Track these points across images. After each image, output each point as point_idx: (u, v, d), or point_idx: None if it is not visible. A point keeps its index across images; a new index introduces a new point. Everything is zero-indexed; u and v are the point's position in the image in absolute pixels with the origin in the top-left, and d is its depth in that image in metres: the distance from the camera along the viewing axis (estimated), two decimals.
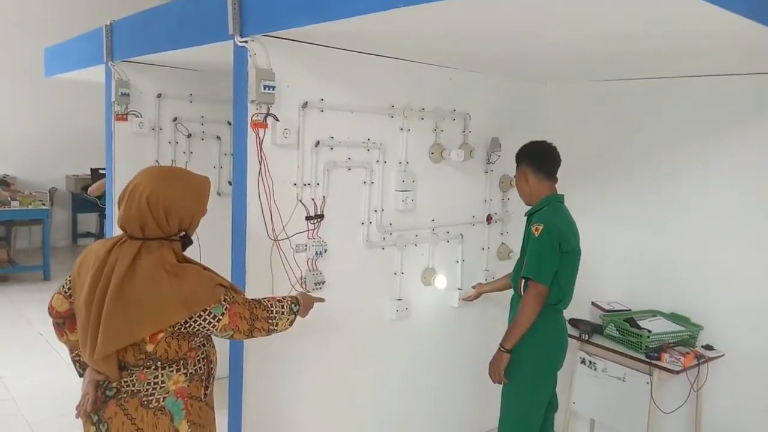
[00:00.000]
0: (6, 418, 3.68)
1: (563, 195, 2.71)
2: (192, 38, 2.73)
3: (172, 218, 1.78)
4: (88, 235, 8.60)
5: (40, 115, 8.12)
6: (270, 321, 1.91)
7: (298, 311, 2.02)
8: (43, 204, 6.93)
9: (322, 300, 2.26)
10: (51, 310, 1.92)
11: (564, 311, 2.72)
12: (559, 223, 2.57)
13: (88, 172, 8.07)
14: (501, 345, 2.63)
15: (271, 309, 1.93)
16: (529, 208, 2.73)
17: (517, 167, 2.75)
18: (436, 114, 3.01)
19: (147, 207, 1.75)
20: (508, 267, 3.38)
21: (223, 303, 1.78)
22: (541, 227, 2.54)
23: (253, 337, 1.90)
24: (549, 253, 2.52)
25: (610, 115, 3.38)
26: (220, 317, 1.77)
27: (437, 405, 3.30)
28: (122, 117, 3.67)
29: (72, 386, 1.93)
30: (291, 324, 2.01)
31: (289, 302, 2.00)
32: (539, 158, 2.68)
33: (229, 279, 2.30)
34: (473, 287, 3.17)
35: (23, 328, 5.25)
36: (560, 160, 2.70)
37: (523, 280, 2.60)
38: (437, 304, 3.19)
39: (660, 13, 1.74)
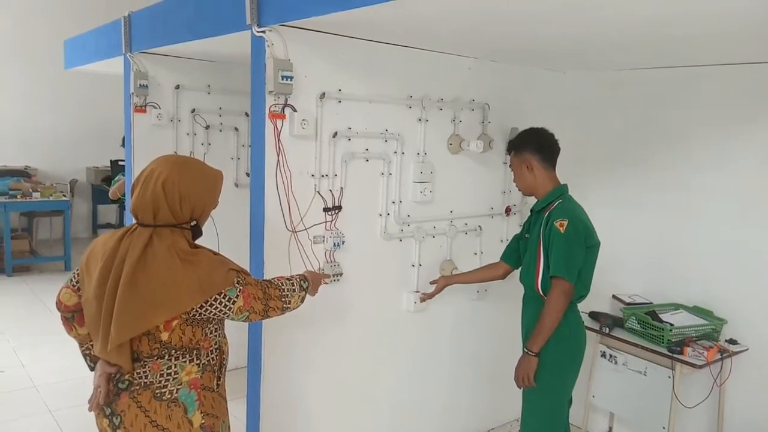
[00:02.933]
0: (28, 406, 3.74)
1: (567, 185, 2.60)
2: (210, 29, 2.73)
3: (185, 205, 1.78)
4: (108, 226, 8.68)
5: (60, 108, 8.21)
6: (283, 299, 1.92)
7: (307, 287, 2.04)
8: (64, 195, 7.02)
9: (327, 276, 2.33)
10: (59, 305, 1.90)
11: (579, 304, 2.66)
12: (582, 217, 2.47)
13: (108, 164, 8.14)
14: (528, 349, 2.45)
15: (282, 287, 1.94)
16: (536, 202, 2.59)
17: (515, 155, 2.59)
18: (454, 104, 2.98)
19: (162, 192, 1.75)
20: None
21: (237, 285, 1.79)
22: (566, 222, 2.39)
23: (269, 317, 1.91)
24: (576, 250, 2.40)
25: (629, 104, 3.32)
26: (235, 299, 1.78)
27: (452, 397, 3.29)
28: (141, 108, 3.68)
29: (92, 375, 1.94)
30: (302, 301, 2.02)
31: (298, 279, 2.03)
32: (546, 146, 2.55)
33: (248, 269, 2.30)
34: (434, 281, 2.85)
35: (45, 317, 5.32)
36: (560, 149, 2.59)
37: (539, 279, 2.48)
38: (455, 296, 3.16)
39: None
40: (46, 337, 4.80)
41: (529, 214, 2.70)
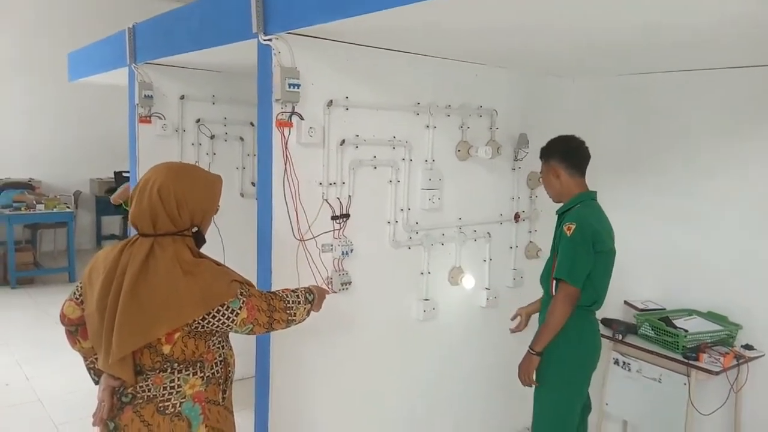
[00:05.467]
0: (33, 420, 3.71)
1: (596, 192, 2.62)
2: (215, 38, 2.72)
3: (183, 211, 1.75)
4: (112, 237, 8.68)
5: (64, 120, 8.23)
6: (288, 311, 1.88)
7: (313, 300, 2.00)
8: (68, 207, 7.01)
9: (330, 291, 2.31)
10: (63, 318, 1.87)
11: (597, 312, 2.64)
12: (593, 222, 2.46)
13: (112, 176, 8.15)
14: (530, 347, 2.53)
15: (287, 299, 1.90)
16: (560, 206, 2.63)
17: (544, 163, 2.65)
18: (462, 111, 2.96)
19: (159, 199, 1.72)
20: (535, 266, 3.32)
21: (240, 297, 1.75)
22: (573, 226, 2.42)
23: (273, 329, 1.87)
24: (582, 254, 2.41)
25: (638, 109, 3.29)
26: (239, 311, 1.74)
27: (464, 406, 3.24)
28: (146, 119, 3.67)
29: (97, 388, 1.91)
30: (308, 314, 1.98)
31: (304, 292, 1.99)
32: (572, 153, 2.58)
33: (255, 280, 2.27)
34: (515, 317, 2.90)
35: (50, 329, 5.28)
36: (590, 156, 2.61)
37: (555, 281, 2.50)
38: (465, 303, 3.13)
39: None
40: (50, 349, 4.75)
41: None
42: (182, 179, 1.77)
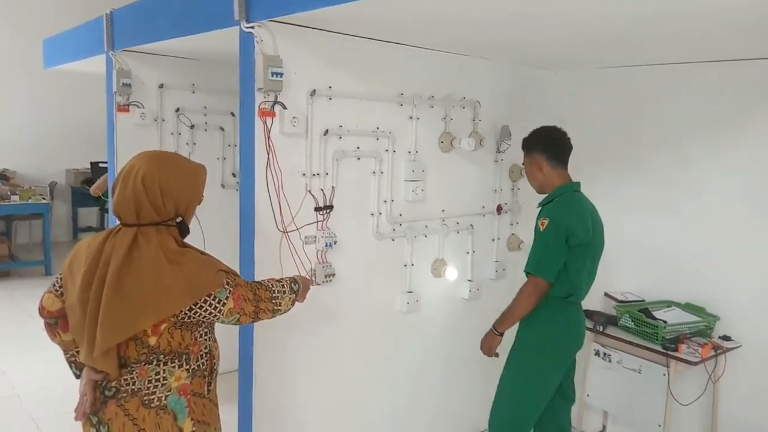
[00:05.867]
0: (10, 414, 3.63)
1: (578, 183, 2.63)
2: (196, 25, 2.66)
3: (168, 200, 1.72)
4: (88, 229, 8.53)
5: (39, 109, 8.05)
6: (273, 301, 1.87)
7: (298, 290, 1.99)
8: (44, 198, 6.87)
9: (314, 282, 2.33)
10: (42, 311, 1.81)
11: (581, 302, 2.65)
12: (567, 217, 2.46)
13: (89, 166, 8.00)
14: (494, 326, 2.61)
15: (273, 289, 1.90)
16: (543, 197, 2.64)
17: (527, 155, 2.65)
18: (445, 102, 2.94)
19: (143, 187, 1.68)
20: (517, 258, 3.34)
21: (227, 287, 1.73)
22: (546, 222, 2.46)
23: (260, 319, 1.86)
24: (553, 249, 2.43)
25: (621, 102, 3.31)
26: (225, 301, 1.72)
27: (445, 397, 3.25)
28: (124, 108, 3.59)
29: (77, 382, 1.87)
30: (292, 304, 1.98)
31: (288, 282, 1.98)
32: (554, 145, 2.58)
33: (238, 271, 2.24)
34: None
35: (26, 323, 5.20)
36: (572, 147, 2.61)
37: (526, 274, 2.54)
38: (447, 295, 3.13)
39: None
40: (27, 343, 4.68)
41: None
42: (166, 168, 1.74)
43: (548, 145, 2.57)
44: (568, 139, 2.61)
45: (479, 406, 3.39)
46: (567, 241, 2.44)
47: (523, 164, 2.70)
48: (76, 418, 1.77)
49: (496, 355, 2.65)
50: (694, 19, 2.05)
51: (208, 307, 1.70)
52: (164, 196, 1.71)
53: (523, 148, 2.68)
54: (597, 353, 3.09)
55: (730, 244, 2.92)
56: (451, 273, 3.06)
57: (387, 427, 3.00)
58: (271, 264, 2.35)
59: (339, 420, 2.78)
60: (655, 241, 3.20)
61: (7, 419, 3.58)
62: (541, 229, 2.46)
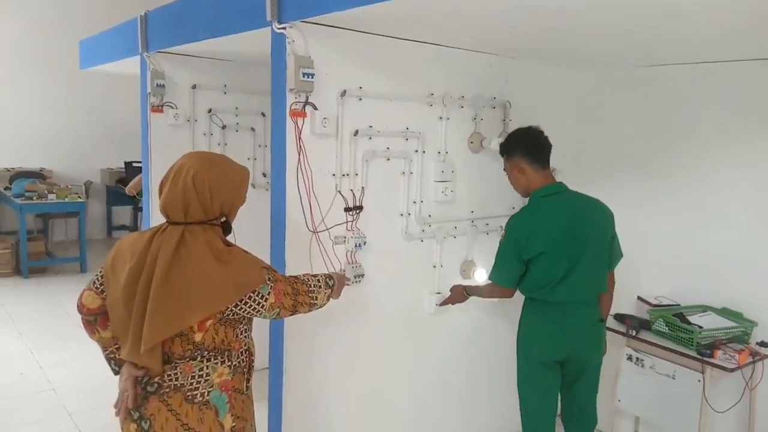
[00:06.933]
0: (47, 409, 3.73)
1: (560, 183, 2.55)
2: (229, 26, 2.70)
3: (216, 199, 1.76)
4: (122, 228, 8.72)
5: (75, 109, 8.25)
6: (310, 295, 1.91)
7: (333, 285, 2.02)
8: (79, 197, 7.03)
9: (348, 280, 2.38)
10: (81, 308, 1.84)
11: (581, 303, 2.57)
12: (519, 231, 2.47)
13: (122, 166, 8.17)
14: (467, 288, 2.78)
15: (309, 283, 1.94)
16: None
17: (507, 159, 2.59)
18: (475, 102, 2.92)
19: (193, 187, 1.73)
20: None
21: (268, 282, 1.78)
22: (504, 234, 2.55)
23: (297, 312, 1.90)
24: (505, 260, 2.52)
25: (654, 102, 3.24)
26: (267, 296, 1.77)
27: (472, 400, 3.23)
28: (158, 109, 3.66)
29: (112, 377, 1.91)
30: (327, 299, 2.01)
31: (324, 277, 2.02)
32: (534, 147, 2.52)
33: None
34: None
35: (62, 319, 5.33)
36: (551, 145, 2.56)
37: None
38: (475, 299, 3.10)
39: None
40: (63, 339, 4.80)
41: None
42: (216, 169, 1.79)
43: (529, 148, 2.52)
44: (546, 138, 2.55)
45: (506, 408, 3.36)
46: (523, 252, 2.46)
47: (504, 170, 2.64)
48: (117, 414, 1.80)
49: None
50: (725, 18, 2.00)
51: (252, 303, 1.74)
52: (212, 196, 1.75)
53: (502, 154, 2.62)
54: (629, 358, 3.03)
55: (765, 247, 2.83)
56: (481, 275, 3.03)
57: (413, 426, 2.99)
58: (301, 263, 2.37)
59: (367, 417, 2.79)
60: (690, 245, 3.12)
61: (44, 413, 3.68)
62: (501, 239, 2.56)
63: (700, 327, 2.77)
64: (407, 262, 2.81)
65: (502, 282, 2.57)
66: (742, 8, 1.88)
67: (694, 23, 2.13)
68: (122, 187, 7.64)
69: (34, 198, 6.71)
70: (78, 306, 1.86)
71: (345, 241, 2.52)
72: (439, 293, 2.90)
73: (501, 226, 3.12)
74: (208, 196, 1.74)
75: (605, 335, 2.69)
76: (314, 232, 2.40)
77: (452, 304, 2.84)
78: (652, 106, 3.25)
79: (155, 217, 3.63)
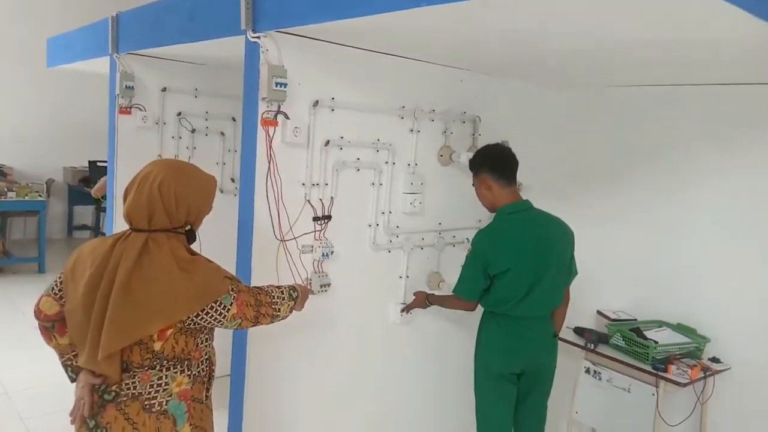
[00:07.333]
0: None
1: (526, 201, 2.62)
2: (203, 32, 2.69)
3: (181, 208, 1.76)
4: (84, 227, 8.52)
5: (39, 105, 8.04)
6: (273, 306, 1.91)
7: (296, 297, 2.02)
8: (40, 195, 6.84)
9: (312, 292, 2.37)
10: (38, 314, 1.80)
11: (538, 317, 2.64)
12: (485, 248, 2.53)
13: (86, 165, 8.00)
14: (429, 297, 2.82)
15: (273, 294, 1.94)
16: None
17: (475, 175, 2.65)
18: (446, 116, 2.97)
19: (158, 194, 1.72)
20: None
21: (231, 293, 1.77)
22: (470, 248, 2.60)
23: (260, 323, 1.89)
24: (470, 276, 2.58)
25: (621, 122, 3.35)
26: (229, 307, 1.76)
27: (437, 410, 3.26)
28: (126, 110, 3.61)
29: (68, 382, 1.87)
30: (290, 311, 2.01)
31: (288, 289, 2.02)
32: (501, 164, 2.58)
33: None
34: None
35: (17, 321, 5.18)
36: (518, 162, 2.63)
37: None
38: (441, 309, 3.14)
39: (679, 19, 1.71)
40: (18, 341, 4.67)
41: None
42: (182, 177, 1.78)
43: (495, 165, 2.58)
44: (513, 155, 2.62)
45: (471, 418, 3.40)
46: (488, 267, 2.52)
47: (473, 185, 2.70)
48: (73, 422, 1.77)
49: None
50: (697, 48, 2.10)
51: (214, 313, 1.73)
52: (178, 203, 1.74)
53: (471, 169, 2.69)
54: (587, 371, 3.11)
55: (723, 266, 2.95)
56: (446, 287, 3.08)
57: None
58: (267, 272, 2.37)
59: (329, 426, 2.79)
60: (649, 261, 3.23)
61: None
62: (466, 254, 2.62)
63: (656, 342, 2.85)
64: (374, 273, 2.83)
65: (466, 295, 2.61)
66: (704, 39, 1.97)
67: (662, 50, 2.21)
68: (86, 187, 7.49)
69: None
70: (35, 312, 1.82)
71: (312, 251, 2.53)
72: (403, 303, 2.93)
73: (467, 239, 3.18)
74: (174, 204, 1.74)
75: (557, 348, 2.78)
76: (282, 240, 2.40)
77: (410, 309, 2.89)
78: (619, 125, 3.35)
79: (119, 221, 3.57)
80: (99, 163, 7.43)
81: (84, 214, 8.59)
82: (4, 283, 6.32)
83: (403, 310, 2.89)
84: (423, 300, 2.84)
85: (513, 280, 2.52)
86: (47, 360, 2.08)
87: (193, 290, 1.68)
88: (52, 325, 1.83)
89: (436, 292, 3.02)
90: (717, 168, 2.98)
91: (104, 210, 5.58)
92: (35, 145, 8.09)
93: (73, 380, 1.84)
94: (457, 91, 3.02)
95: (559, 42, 2.18)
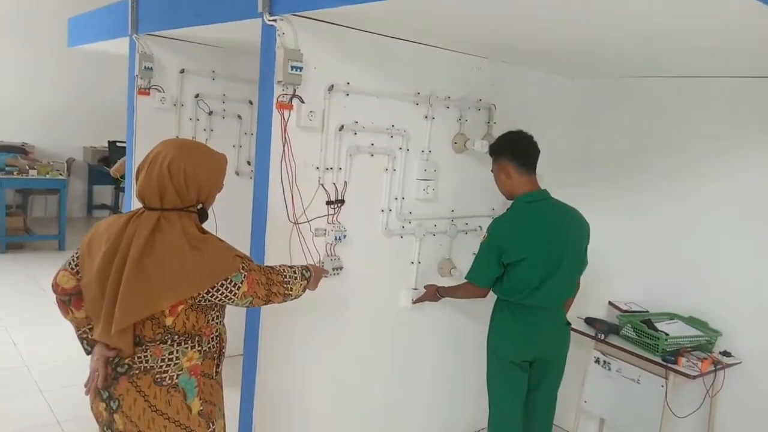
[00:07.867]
0: (19, 385, 3.72)
1: (544, 191, 2.60)
2: (220, 14, 2.70)
3: (191, 186, 1.78)
4: (103, 207, 8.65)
5: (61, 85, 8.14)
6: (285, 285, 1.93)
7: (309, 277, 2.04)
8: (61, 174, 6.96)
9: (326, 272, 2.38)
10: (56, 287, 1.86)
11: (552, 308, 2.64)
12: (502, 237, 2.51)
13: (106, 144, 8.10)
14: (439, 289, 2.83)
15: (285, 274, 1.95)
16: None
17: (495, 161, 2.63)
18: (461, 103, 2.97)
19: (168, 174, 1.74)
20: None
21: (242, 271, 1.79)
22: (486, 236, 2.57)
23: (271, 302, 1.92)
24: (485, 262, 2.56)
25: (637, 112, 3.31)
26: (240, 285, 1.78)
27: (448, 394, 3.30)
28: (144, 91, 3.65)
29: (85, 357, 1.92)
30: (303, 290, 2.03)
31: (300, 269, 2.03)
32: (523, 151, 2.57)
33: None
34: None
35: (38, 296, 5.30)
36: (539, 151, 2.61)
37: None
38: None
39: (704, 11, 1.69)
40: (38, 316, 4.78)
41: None
42: (192, 156, 1.80)
43: (517, 152, 2.57)
44: (536, 144, 2.61)
45: (482, 403, 3.43)
46: (503, 255, 2.51)
47: (492, 170, 2.69)
48: (87, 393, 1.83)
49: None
50: (713, 37, 2.07)
51: (225, 291, 1.76)
52: (188, 183, 1.77)
53: (491, 155, 2.67)
54: (597, 361, 3.11)
55: (736, 260, 2.92)
56: (458, 274, 3.09)
57: (385, 419, 3.05)
58: (280, 254, 2.40)
59: (339, 408, 2.83)
60: (662, 253, 3.21)
61: (16, 390, 3.67)
62: (482, 240, 2.59)
63: (667, 334, 2.85)
64: (386, 257, 2.85)
65: (479, 281, 2.61)
66: (715, 32, 1.94)
67: (677, 43, 2.18)
68: (106, 167, 7.59)
69: (15, 173, 6.63)
70: (53, 285, 1.88)
71: (325, 234, 2.55)
72: (415, 289, 2.95)
73: (480, 227, 3.19)
74: (184, 183, 1.76)
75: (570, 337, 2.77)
76: (295, 223, 2.43)
77: (422, 301, 2.91)
78: (636, 116, 3.32)
79: (136, 201, 3.64)
80: (118, 143, 7.52)
81: (103, 193, 8.72)
82: (25, 260, 6.46)
83: (415, 302, 2.91)
84: (433, 293, 2.85)
85: (528, 270, 2.51)
86: (66, 335, 2.13)
87: (204, 268, 1.71)
88: (69, 299, 1.88)
89: (448, 279, 3.05)
90: (735, 163, 2.94)
91: (123, 190, 5.67)
92: (56, 124, 8.21)
93: (88, 353, 1.90)
94: (473, 79, 3.01)
95: (580, 33, 2.16)
